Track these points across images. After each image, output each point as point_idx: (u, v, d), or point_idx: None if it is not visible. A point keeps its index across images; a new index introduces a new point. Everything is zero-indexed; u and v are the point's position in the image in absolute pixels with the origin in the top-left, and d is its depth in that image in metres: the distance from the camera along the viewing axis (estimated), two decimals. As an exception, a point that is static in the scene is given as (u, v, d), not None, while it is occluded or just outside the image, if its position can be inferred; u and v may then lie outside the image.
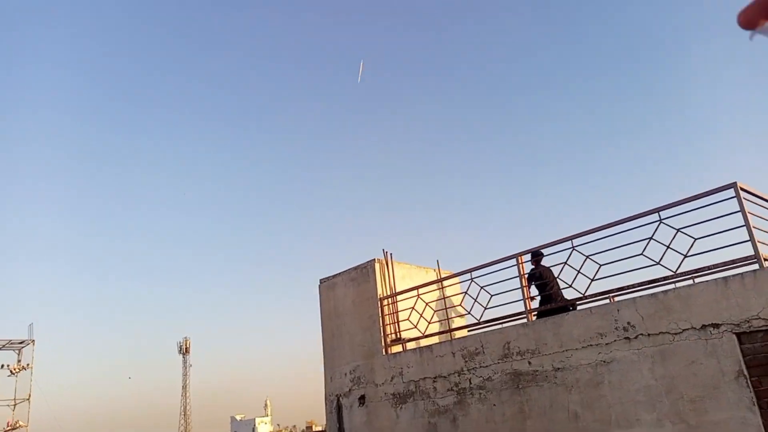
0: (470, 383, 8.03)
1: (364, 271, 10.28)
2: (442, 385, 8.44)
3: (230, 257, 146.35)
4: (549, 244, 7.92)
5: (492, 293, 8.38)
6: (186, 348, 74.27)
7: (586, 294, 7.24)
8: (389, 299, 9.86)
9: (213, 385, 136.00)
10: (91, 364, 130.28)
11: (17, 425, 27.12)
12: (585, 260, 7.18)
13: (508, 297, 8.19)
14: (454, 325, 9.61)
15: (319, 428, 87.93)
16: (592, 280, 7.10)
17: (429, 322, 9.22)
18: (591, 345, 6.74)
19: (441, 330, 9.69)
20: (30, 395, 28.31)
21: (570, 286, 7.39)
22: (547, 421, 6.99)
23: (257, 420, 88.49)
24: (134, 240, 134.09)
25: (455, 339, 8.73)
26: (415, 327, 9.26)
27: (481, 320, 8.56)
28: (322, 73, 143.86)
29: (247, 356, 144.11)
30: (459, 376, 8.20)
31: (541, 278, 8.56)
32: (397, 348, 9.54)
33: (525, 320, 7.89)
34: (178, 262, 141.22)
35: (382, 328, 9.65)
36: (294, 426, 74.35)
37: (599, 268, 7.04)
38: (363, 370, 9.78)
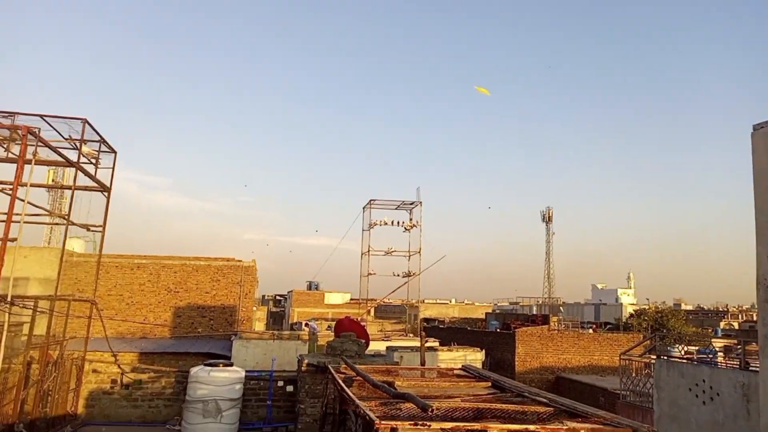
0: None
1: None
2: None
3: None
4: None
5: None
6: (549, 217, 75.54)
7: None
8: None
9: (575, 253, 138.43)
10: (465, 225, 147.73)
11: (411, 273, 31.76)
12: None
13: None
14: None
15: (689, 307, 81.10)
16: None
17: None
18: None
19: None
20: (420, 248, 32.56)
21: None
22: None
23: (619, 291, 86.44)
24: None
25: None
26: None
27: None
28: None
29: (611, 227, 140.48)
30: None
31: None
32: None
33: None
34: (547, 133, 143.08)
35: None
36: (663, 302, 69.63)
37: None
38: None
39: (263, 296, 76.25)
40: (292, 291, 61.76)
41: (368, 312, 46.98)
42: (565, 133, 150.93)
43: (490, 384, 6.49)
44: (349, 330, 12.65)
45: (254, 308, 42.55)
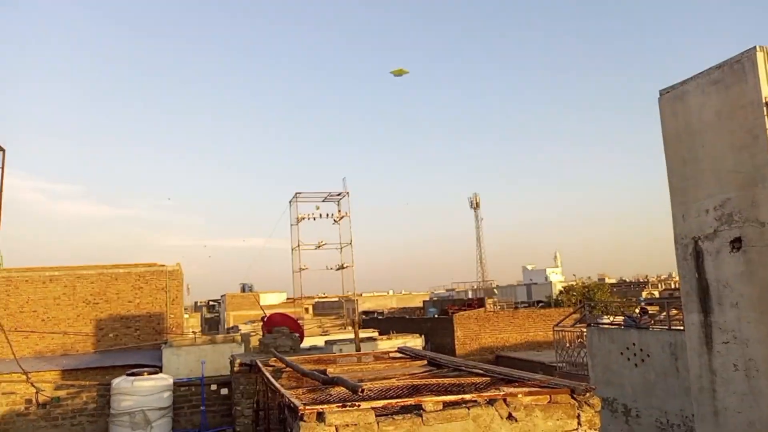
0: None
1: (737, 68, 7.07)
2: None
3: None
4: None
5: None
6: (476, 203, 77.30)
7: None
8: (785, 101, 6.62)
9: (505, 236, 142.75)
10: (396, 217, 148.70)
11: (344, 266, 31.43)
12: None
13: None
14: None
15: (613, 280, 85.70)
16: None
17: None
18: None
19: None
20: (351, 240, 32.24)
21: None
22: None
23: (548, 270, 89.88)
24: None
25: None
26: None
27: None
28: None
29: (536, 208, 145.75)
30: None
31: None
32: (799, 171, 6.46)
33: None
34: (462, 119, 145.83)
35: (772, 145, 6.61)
36: (589, 277, 72.96)
37: None
38: (737, 205, 7.01)
39: (196, 303, 73.66)
40: (225, 295, 60.00)
41: (305, 310, 46.24)
42: (483, 116, 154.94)
43: (426, 362, 6.30)
44: (281, 325, 12.21)
45: (186, 315, 40.81)
